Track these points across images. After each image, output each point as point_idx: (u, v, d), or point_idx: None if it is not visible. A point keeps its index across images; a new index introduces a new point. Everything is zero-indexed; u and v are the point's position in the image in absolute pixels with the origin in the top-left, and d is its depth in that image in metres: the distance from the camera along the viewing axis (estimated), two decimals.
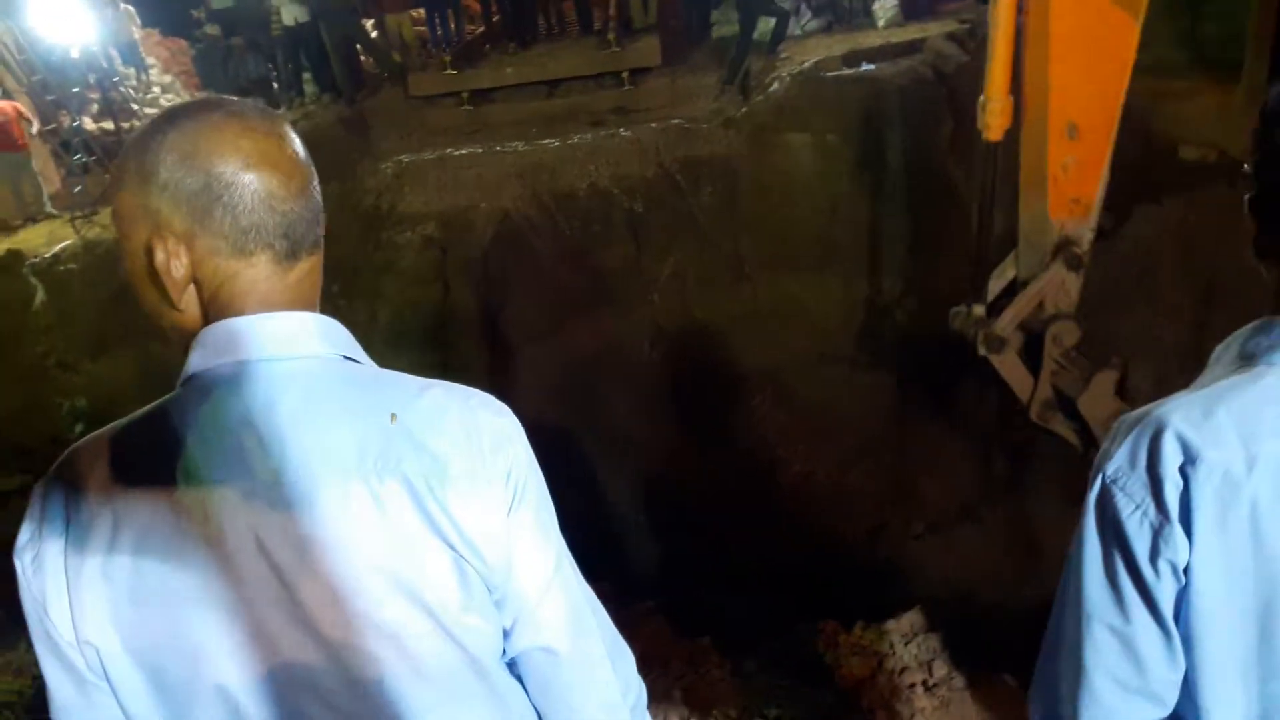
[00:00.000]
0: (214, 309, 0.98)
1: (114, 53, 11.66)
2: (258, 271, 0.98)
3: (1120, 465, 1.05)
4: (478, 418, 1.02)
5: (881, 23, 9.88)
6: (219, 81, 10.90)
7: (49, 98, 10.74)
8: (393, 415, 0.97)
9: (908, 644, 4.73)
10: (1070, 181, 4.16)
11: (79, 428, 7.58)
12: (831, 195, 8.12)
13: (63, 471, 0.98)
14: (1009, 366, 4.59)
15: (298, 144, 1.02)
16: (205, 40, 11.41)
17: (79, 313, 7.92)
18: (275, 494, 0.94)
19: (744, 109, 8.69)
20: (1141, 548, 1.04)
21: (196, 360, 0.98)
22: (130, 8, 12.84)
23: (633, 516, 7.24)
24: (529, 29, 11.11)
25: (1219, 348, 1.14)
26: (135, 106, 11.06)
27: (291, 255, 1.00)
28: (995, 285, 4.64)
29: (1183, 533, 1.01)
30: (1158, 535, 1.02)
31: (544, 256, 8.24)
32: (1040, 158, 4.15)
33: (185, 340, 1.00)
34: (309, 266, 1.03)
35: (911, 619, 4.89)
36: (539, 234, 8.31)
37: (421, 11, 11.58)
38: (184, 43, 12.98)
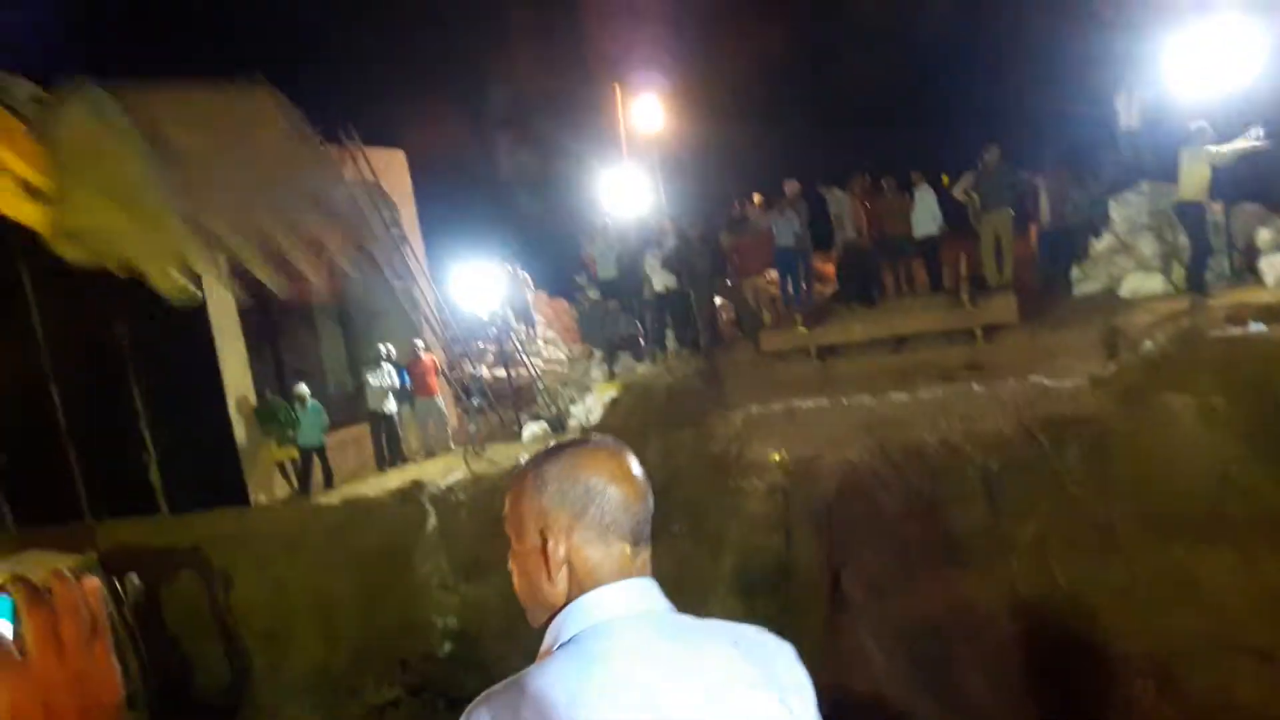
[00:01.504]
0: (576, 585, 1.26)
1: (509, 311, 13.61)
2: (614, 554, 1.28)
3: None
4: (781, 647, 1.31)
5: (1271, 280, 9.10)
6: (595, 337, 12.28)
7: (456, 348, 12.64)
8: (735, 644, 1.25)
9: None
10: None
11: (448, 646, 8.24)
12: (1221, 462, 7.27)
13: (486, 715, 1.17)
14: None
15: (639, 466, 1.35)
16: (586, 302, 13.00)
17: (461, 538, 8.81)
18: None
19: (1114, 368, 8.22)
20: None
21: (576, 622, 1.24)
22: (526, 274, 15.06)
23: None
24: (877, 288, 11.51)
25: None
26: (523, 357, 12.66)
27: (637, 544, 1.31)
28: None
29: None
30: None
31: (890, 511, 8.03)
32: None
33: (550, 608, 1.27)
34: (647, 553, 1.33)
35: None
36: (886, 488, 8.16)
37: (774, 273, 12.47)
38: (566, 303, 14.90)
